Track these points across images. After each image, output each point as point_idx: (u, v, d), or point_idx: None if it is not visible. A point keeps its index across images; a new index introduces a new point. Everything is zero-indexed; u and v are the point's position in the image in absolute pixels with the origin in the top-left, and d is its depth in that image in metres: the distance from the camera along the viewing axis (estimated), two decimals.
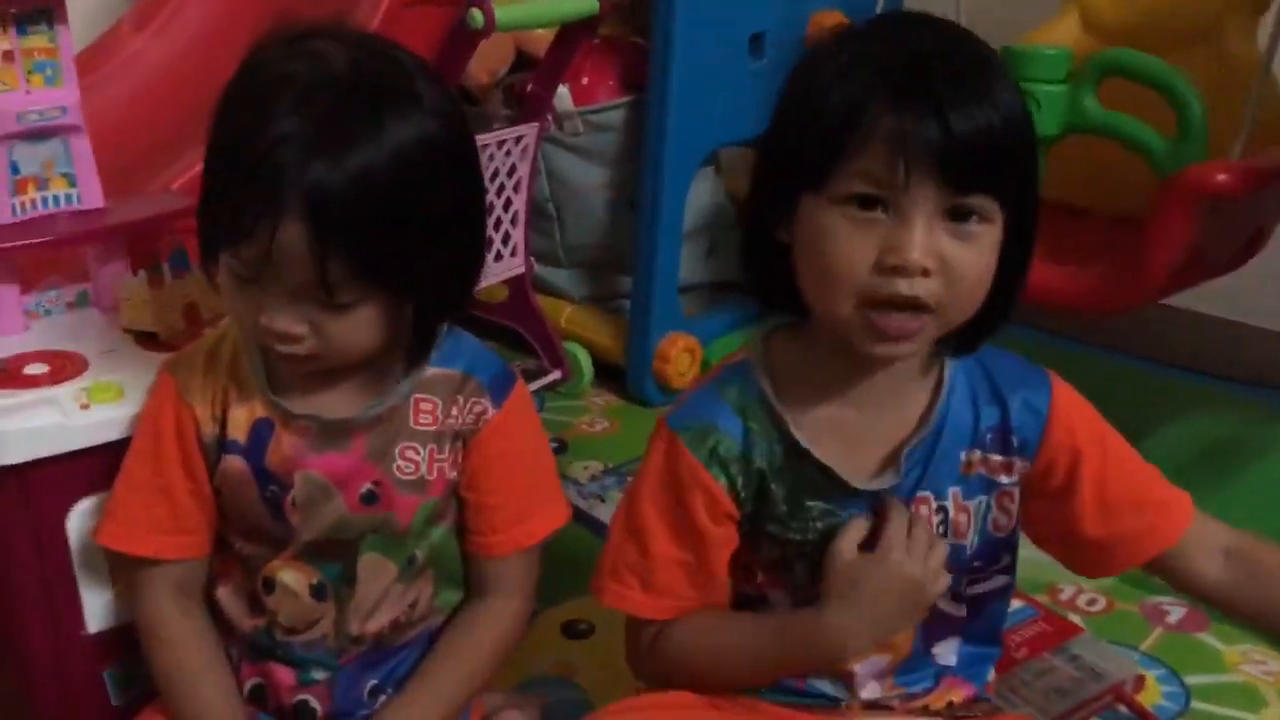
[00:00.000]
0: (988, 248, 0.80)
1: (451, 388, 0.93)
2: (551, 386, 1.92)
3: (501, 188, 1.76)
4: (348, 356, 0.88)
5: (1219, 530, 0.92)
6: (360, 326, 0.85)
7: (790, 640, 0.90)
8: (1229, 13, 1.53)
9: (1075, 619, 1.32)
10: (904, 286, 0.78)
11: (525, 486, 0.97)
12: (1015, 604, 1.14)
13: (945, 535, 0.89)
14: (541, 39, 1.90)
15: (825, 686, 0.92)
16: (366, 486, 0.92)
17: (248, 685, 0.96)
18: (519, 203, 1.81)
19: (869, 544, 0.87)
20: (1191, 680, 1.25)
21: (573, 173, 2.01)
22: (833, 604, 0.87)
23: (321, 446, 0.91)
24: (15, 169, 1.11)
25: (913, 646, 0.92)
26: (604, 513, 1.52)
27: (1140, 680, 1.22)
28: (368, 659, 0.96)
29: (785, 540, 0.89)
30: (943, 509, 0.89)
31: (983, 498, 0.90)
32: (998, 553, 0.93)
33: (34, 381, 1.00)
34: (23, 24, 1.10)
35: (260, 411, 0.92)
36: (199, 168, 0.86)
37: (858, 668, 0.91)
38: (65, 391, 0.99)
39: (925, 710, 0.93)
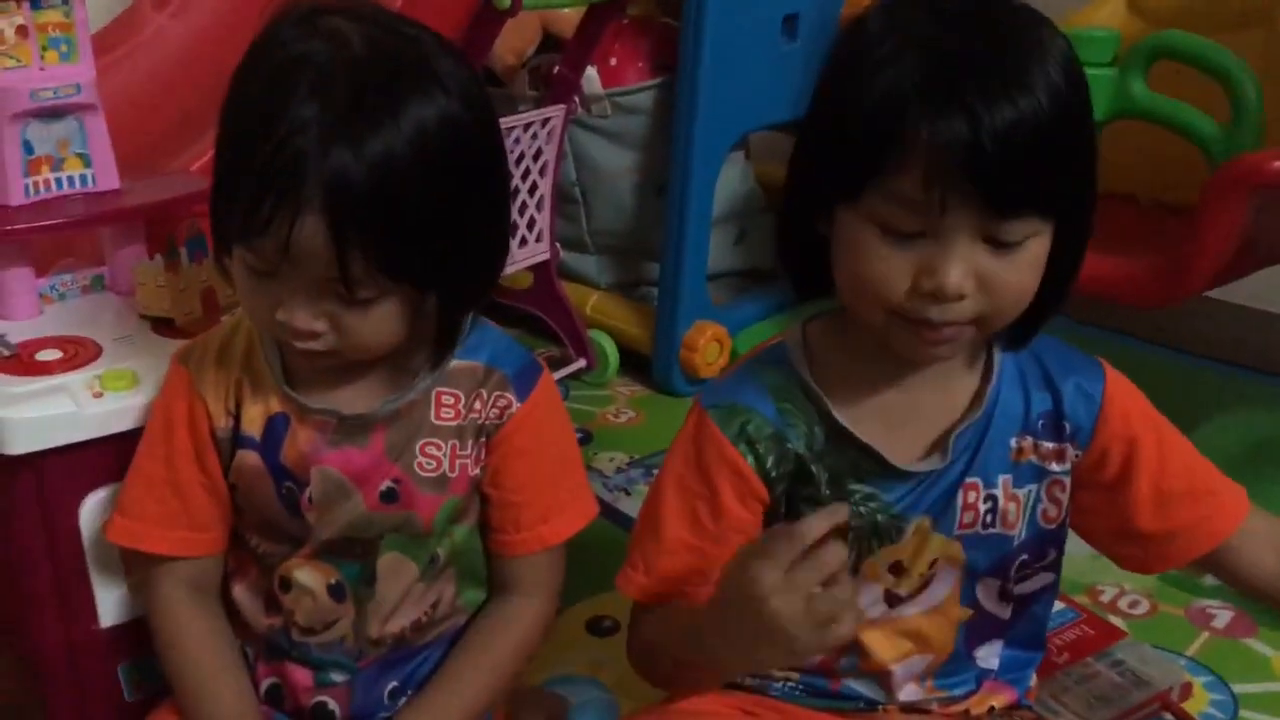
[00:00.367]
0: (1033, 262, 0.78)
1: (474, 381, 0.91)
2: (576, 375, 1.92)
3: (527, 172, 1.76)
4: (368, 352, 0.86)
5: (1275, 523, 0.90)
6: (381, 321, 0.83)
7: (696, 642, 0.84)
8: None
9: (1117, 622, 1.30)
10: (936, 313, 0.77)
11: (550, 483, 0.94)
12: (1056, 606, 1.11)
13: (993, 525, 0.87)
14: (569, 19, 1.89)
15: (862, 688, 0.90)
16: (386, 484, 0.90)
17: (264, 685, 0.95)
18: (544, 187, 1.80)
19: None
20: (1239, 688, 1.23)
21: (600, 157, 1.99)
22: (709, 616, 0.82)
23: (339, 442, 0.89)
24: (29, 148, 1.08)
25: (954, 648, 0.90)
26: (629, 506, 1.50)
27: (1187, 688, 1.20)
28: (388, 660, 0.94)
29: None
30: (991, 497, 0.87)
31: (1032, 486, 0.87)
32: (1045, 547, 0.91)
33: (46, 369, 0.99)
34: None
35: (276, 406, 0.90)
36: None
37: (896, 669, 0.89)
38: (78, 379, 0.98)
39: (965, 715, 0.92)
